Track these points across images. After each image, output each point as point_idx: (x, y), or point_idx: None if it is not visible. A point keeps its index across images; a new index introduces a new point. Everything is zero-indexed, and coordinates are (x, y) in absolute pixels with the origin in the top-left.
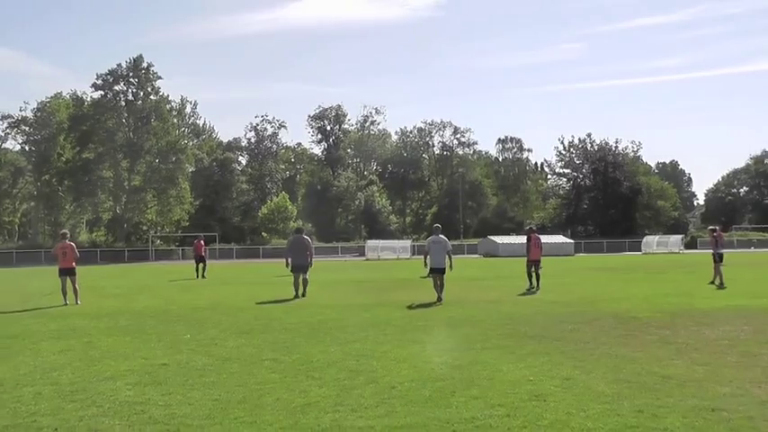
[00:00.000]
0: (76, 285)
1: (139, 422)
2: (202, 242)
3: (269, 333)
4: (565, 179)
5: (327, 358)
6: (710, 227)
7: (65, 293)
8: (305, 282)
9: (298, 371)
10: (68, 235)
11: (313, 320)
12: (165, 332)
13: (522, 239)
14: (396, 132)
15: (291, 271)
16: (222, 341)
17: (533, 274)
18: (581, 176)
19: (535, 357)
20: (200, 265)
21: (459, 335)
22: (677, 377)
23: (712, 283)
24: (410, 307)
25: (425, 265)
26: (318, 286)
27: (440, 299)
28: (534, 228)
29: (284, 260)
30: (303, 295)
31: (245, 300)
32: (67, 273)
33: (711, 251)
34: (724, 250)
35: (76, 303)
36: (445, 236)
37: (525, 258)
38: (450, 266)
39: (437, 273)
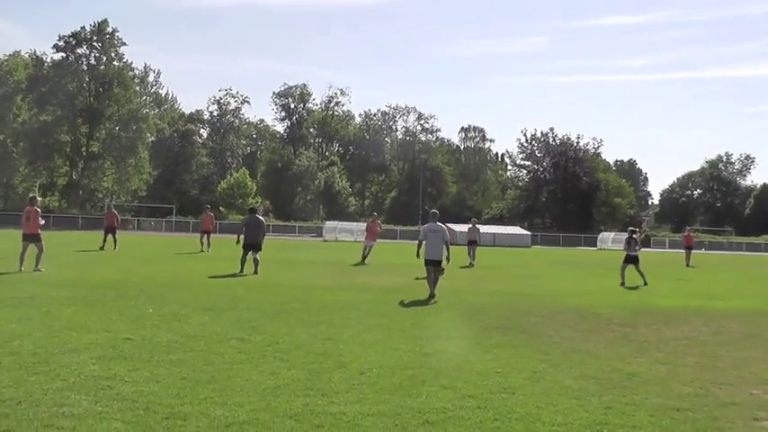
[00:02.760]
0: (42, 252)
1: (107, 398)
2: (211, 214)
3: (233, 311)
4: (525, 171)
5: (294, 340)
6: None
7: (22, 260)
8: (256, 261)
9: (265, 352)
10: (37, 200)
11: (276, 300)
12: (126, 305)
13: (482, 228)
14: (359, 115)
15: (243, 248)
16: (186, 317)
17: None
18: (541, 169)
19: (501, 349)
20: (206, 237)
21: (424, 323)
22: (641, 375)
23: None
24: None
25: (417, 255)
26: (279, 265)
27: (433, 295)
28: (375, 214)
29: (236, 236)
30: (255, 273)
31: (203, 275)
32: (31, 239)
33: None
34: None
35: (37, 269)
36: (438, 223)
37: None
38: (448, 258)
39: (433, 265)
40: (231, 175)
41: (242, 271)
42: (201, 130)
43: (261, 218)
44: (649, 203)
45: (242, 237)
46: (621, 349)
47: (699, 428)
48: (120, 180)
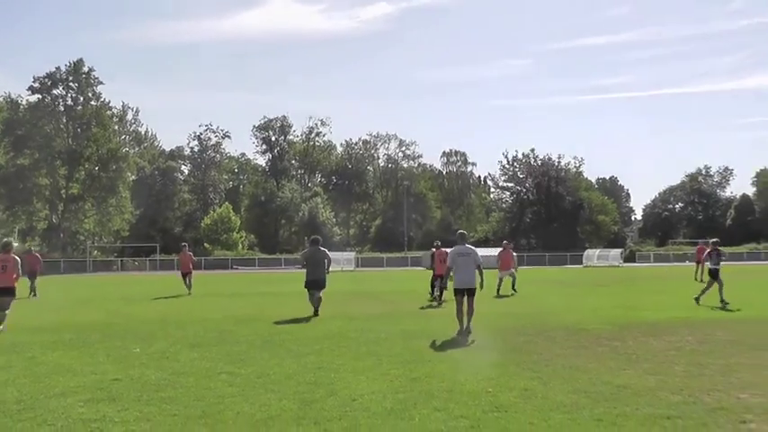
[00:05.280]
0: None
1: None
2: (189, 253)
3: (222, 345)
4: (508, 193)
5: (284, 371)
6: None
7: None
8: (318, 299)
9: (255, 384)
10: (13, 245)
11: (265, 333)
12: (112, 346)
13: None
14: (341, 144)
15: (306, 287)
16: (174, 354)
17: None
18: (524, 191)
19: (492, 369)
20: (188, 278)
21: (414, 347)
22: (631, 386)
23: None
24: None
25: (444, 286)
26: (266, 298)
27: (467, 330)
28: (439, 244)
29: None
30: (316, 314)
31: (191, 312)
32: (4, 293)
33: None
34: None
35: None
36: (467, 245)
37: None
38: (482, 285)
39: (465, 294)
40: (214, 211)
41: (316, 312)
42: (183, 167)
43: (324, 249)
44: (632, 219)
45: (306, 275)
46: (611, 363)
47: None
48: (101, 221)
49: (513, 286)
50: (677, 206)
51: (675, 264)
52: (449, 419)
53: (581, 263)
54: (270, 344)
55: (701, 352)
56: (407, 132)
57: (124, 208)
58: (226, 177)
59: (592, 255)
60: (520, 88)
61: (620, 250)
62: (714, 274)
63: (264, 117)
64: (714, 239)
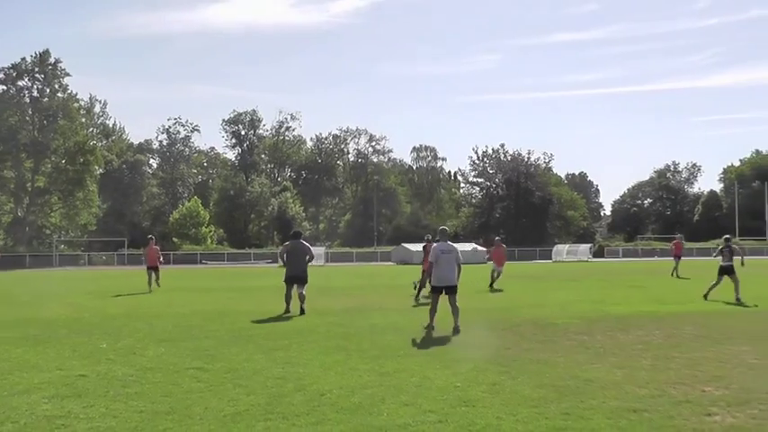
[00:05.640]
0: None
1: None
2: (156, 247)
3: (190, 341)
4: (478, 188)
5: (253, 366)
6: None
7: None
8: (302, 297)
9: (224, 379)
10: None
11: (234, 328)
12: (79, 342)
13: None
14: (311, 139)
15: (285, 282)
16: (142, 350)
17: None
18: (494, 186)
19: (460, 364)
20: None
21: (383, 342)
22: (598, 380)
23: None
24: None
25: (424, 283)
26: (236, 293)
27: (455, 329)
28: (430, 237)
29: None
30: (302, 312)
31: (159, 307)
32: None
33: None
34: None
35: None
36: (449, 242)
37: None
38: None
39: (445, 291)
40: (183, 205)
41: (288, 310)
42: (151, 161)
43: (306, 244)
44: (602, 215)
45: (286, 269)
46: (578, 357)
47: (655, 427)
48: (68, 215)
49: (492, 284)
50: (646, 202)
51: (644, 259)
52: (417, 414)
53: (550, 258)
54: (238, 339)
55: (668, 346)
56: (378, 127)
57: (91, 202)
58: (195, 171)
59: (561, 250)
60: (490, 84)
61: (589, 245)
62: (729, 271)
63: (234, 111)
64: (726, 236)
